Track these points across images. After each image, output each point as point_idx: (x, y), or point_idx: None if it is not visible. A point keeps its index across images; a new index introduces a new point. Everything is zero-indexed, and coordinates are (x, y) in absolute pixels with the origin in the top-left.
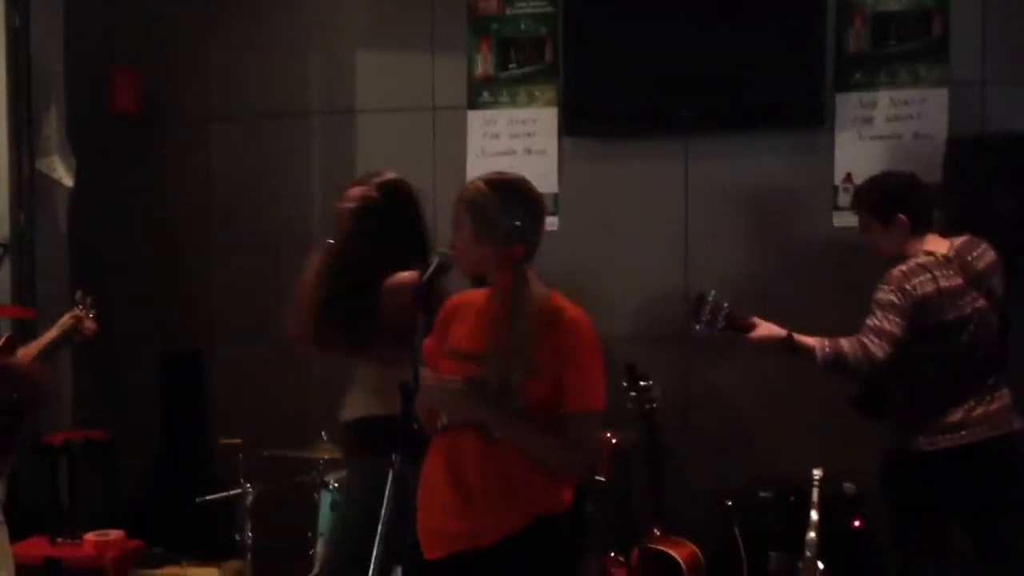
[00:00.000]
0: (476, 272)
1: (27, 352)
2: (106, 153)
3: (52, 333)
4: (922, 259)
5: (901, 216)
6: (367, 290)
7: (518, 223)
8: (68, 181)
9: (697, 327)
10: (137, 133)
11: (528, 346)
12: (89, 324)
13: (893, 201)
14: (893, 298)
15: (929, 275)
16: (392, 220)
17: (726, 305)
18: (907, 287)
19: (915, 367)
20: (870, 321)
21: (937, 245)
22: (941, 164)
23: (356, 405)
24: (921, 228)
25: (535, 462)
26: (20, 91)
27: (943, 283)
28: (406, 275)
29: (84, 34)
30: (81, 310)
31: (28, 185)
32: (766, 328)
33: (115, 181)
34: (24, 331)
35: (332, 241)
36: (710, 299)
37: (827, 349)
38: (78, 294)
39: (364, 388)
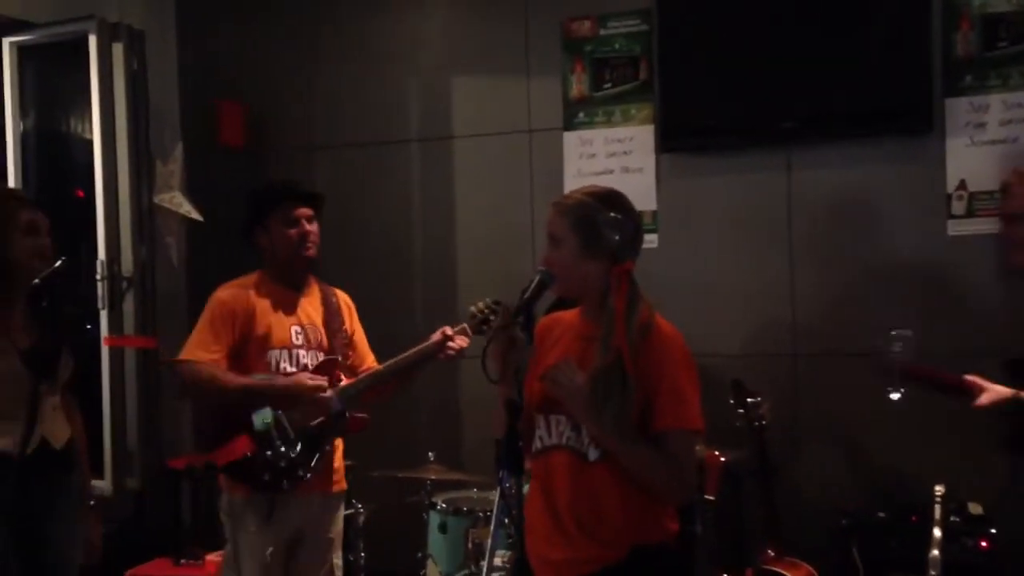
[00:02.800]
0: (578, 290)
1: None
2: (215, 185)
3: (414, 350)
4: None
5: None
6: None
7: (627, 237)
8: (197, 215)
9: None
10: (243, 164)
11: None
12: (459, 342)
13: None
14: None
15: None
16: None
17: (897, 348)
18: None
19: None
20: None
21: None
22: None
23: (64, 427)
24: None
25: (634, 487)
26: (139, 131)
27: None
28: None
29: (192, 71)
30: (454, 328)
31: (148, 220)
32: (994, 392)
33: (224, 213)
34: (147, 361)
35: None
36: (894, 358)
37: None
38: (480, 303)
39: (57, 408)
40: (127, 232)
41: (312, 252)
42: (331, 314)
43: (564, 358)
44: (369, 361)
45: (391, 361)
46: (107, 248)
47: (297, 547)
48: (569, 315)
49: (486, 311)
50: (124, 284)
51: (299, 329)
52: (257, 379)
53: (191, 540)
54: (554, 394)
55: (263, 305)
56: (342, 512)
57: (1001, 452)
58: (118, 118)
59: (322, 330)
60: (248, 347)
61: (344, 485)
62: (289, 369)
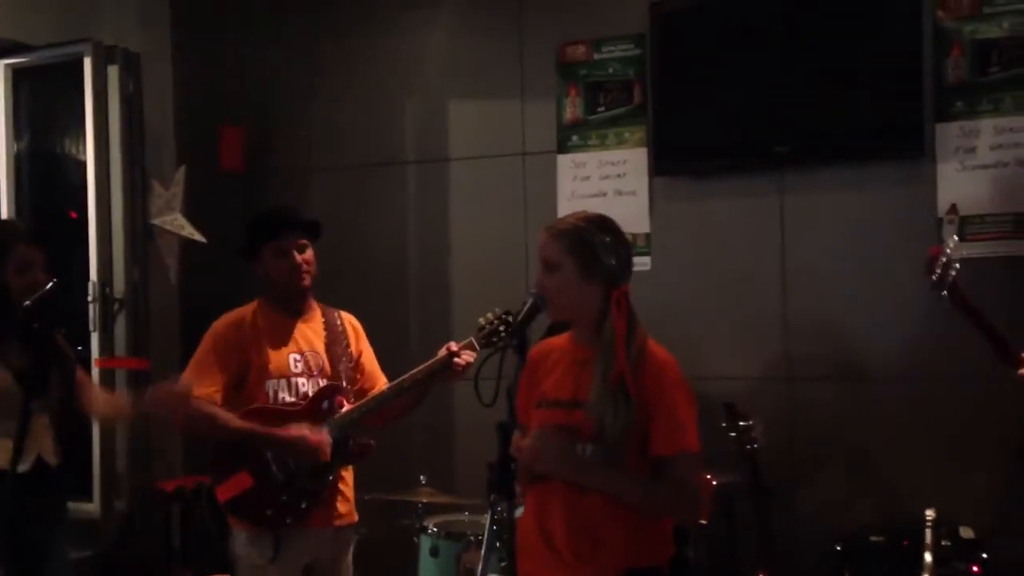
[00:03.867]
0: (574, 314)
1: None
2: (215, 208)
3: (418, 368)
4: None
5: None
6: None
7: (622, 260)
8: (199, 237)
9: (933, 279)
10: (242, 187)
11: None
12: (465, 357)
13: None
14: None
15: None
16: None
17: (957, 266)
18: None
19: None
20: None
21: None
22: None
23: (56, 446)
24: None
25: (632, 513)
26: (134, 153)
27: None
28: None
29: (191, 95)
30: (460, 343)
31: (142, 242)
32: None
33: (223, 236)
34: (139, 383)
35: None
36: (944, 257)
37: None
38: (489, 314)
39: (48, 427)
40: (120, 254)
41: (306, 282)
42: (334, 338)
43: (545, 425)
44: (380, 383)
45: (394, 382)
46: (99, 270)
47: None
48: (561, 341)
49: (496, 322)
50: (116, 306)
51: (298, 357)
52: (258, 425)
53: (180, 563)
54: (543, 471)
55: (261, 334)
56: (352, 546)
57: None
58: (112, 140)
59: (324, 356)
60: (247, 378)
61: (355, 518)
62: (288, 399)
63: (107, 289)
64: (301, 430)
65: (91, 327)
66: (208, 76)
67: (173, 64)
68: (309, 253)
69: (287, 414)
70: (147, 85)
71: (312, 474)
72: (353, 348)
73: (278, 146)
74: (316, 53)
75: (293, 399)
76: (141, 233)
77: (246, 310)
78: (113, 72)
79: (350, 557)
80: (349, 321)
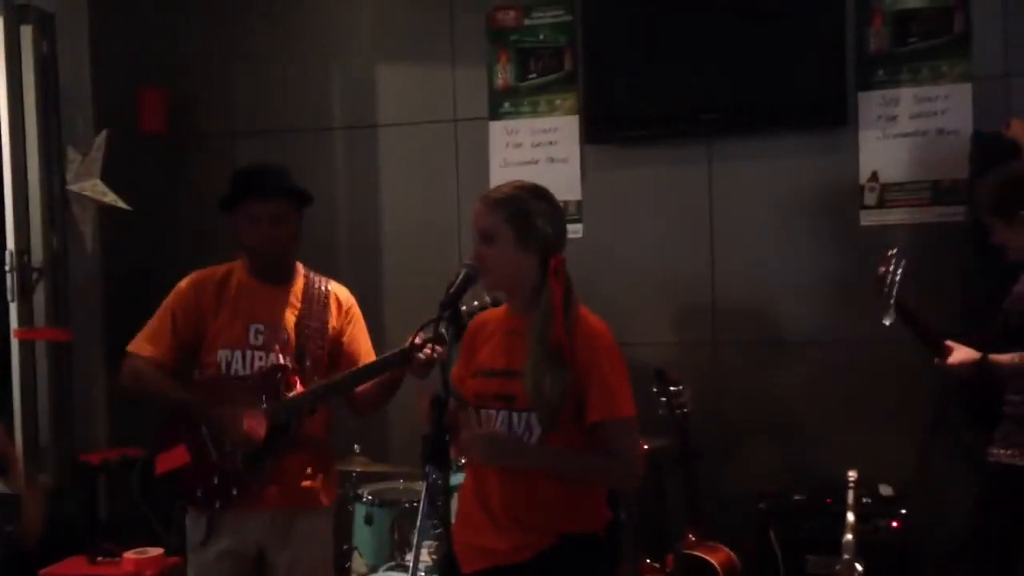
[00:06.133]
0: (511, 284)
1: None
2: (134, 173)
3: (379, 358)
4: None
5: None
6: None
7: (558, 228)
8: (122, 204)
9: (882, 302)
10: (164, 152)
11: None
12: (427, 351)
13: (1013, 197)
14: None
15: None
16: None
17: (899, 277)
18: None
19: None
20: None
21: None
22: (967, 159)
23: None
24: None
25: (572, 483)
26: (49, 117)
27: None
28: None
29: (109, 57)
30: (421, 334)
31: (60, 209)
32: (963, 352)
33: (143, 200)
34: (60, 353)
35: None
36: (889, 276)
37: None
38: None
39: None
40: (37, 222)
41: (276, 253)
42: (310, 311)
43: (474, 430)
44: (364, 362)
45: (352, 370)
46: (16, 238)
47: (264, 573)
48: (498, 312)
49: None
50: (35, 275)
51: (260, 328)
52: (195, 397)
53: (107, 537)
54: (481, 462)
55: (226, 299)
56: (317, 530)
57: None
58: (27, 103)
59: (290, 330)
60: (202, 343)
61: (323, 500)
62: (241, 372)
63: (25, 258)
64: (237, 411)
65: (9, 297)
66: (126, 37)
67: (90, 25)
68: (287, 228)
69: (233, 388)
70: (62, 47)
71: (246, 460)
72: (332, 324)
73: (201, 109)
74: (241, 14)
75: (247, 372)
76: (59, 200)
77: (220, 269)
78: (26, 32)
79: (318, 545)
80: (336, 294)
